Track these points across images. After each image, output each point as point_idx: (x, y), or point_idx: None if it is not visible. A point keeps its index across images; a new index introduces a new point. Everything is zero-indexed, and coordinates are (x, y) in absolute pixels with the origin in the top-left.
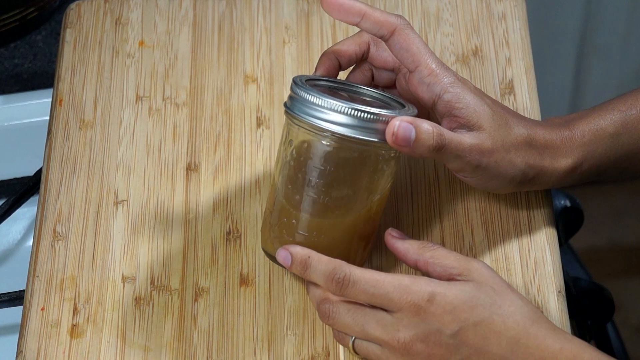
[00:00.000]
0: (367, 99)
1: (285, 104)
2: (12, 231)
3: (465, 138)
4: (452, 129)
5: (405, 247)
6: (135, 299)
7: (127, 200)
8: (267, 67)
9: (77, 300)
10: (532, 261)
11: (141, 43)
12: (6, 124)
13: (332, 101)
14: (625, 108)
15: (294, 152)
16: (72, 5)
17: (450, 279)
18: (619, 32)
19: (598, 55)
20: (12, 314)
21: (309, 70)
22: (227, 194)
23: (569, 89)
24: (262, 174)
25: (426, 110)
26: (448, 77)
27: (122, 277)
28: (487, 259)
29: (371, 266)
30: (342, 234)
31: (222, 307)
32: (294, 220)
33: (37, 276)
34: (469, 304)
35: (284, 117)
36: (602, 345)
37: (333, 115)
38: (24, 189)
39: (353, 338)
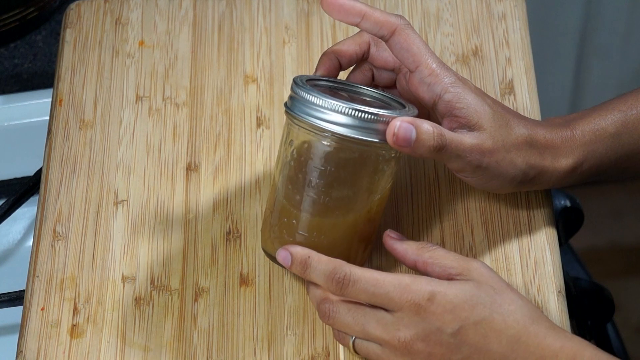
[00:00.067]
0: (368, 99)
1: (285, 104)
2: (12, 231)
3: (466, 138)
4: (452, 129)
5: (404, 247)
6: (135, 299)
7: (127, 200)
8: (267, 67)
9: (77, 300)
10: (532, 261)
11: (141, 43)
12: (6, 124)
13: (333, 101)
14: (626, 108)
15: (294, 152)
16: (72, 5)
17: (449, 279)
18: (619, 32)
19: (598, 55)
20: (12, 314)
21: (309, 70)
22: (227, 194)
23: (569, 89)
24: (262, 174)
25: (426, 111)
26: (449, 77)
27: (122, 277)
28: (487, 259)
29: (371, 266)
30: (343, 234)
31: (222, 307)
32: (294, 221)
33: (37, 276)
34: (470, 303)
35: (284, 117)
36: (602, 345)
37: (334, 116)
38: (24, 189)
39: (353, 338)
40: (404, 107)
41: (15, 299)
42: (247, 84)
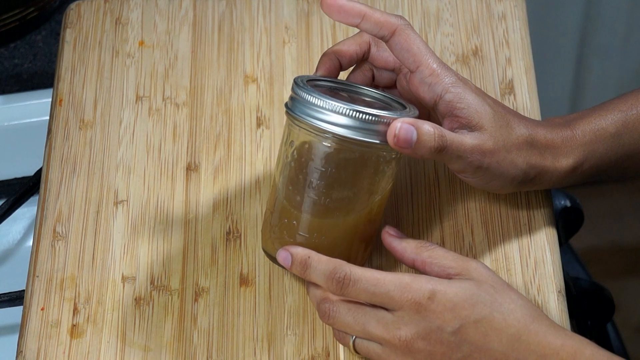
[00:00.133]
0: (368, 99)
1: (286, 105)
2: (12, 231)
3: (467, 139)
4: (453, 129)
5: (403, 246)
6: (135, 299)
7: (127, 200)
8: (267, 67)
9: (77, 300)
10: (532, 261)
11: (141, 43)
12: (6, 124)
13: (334, 102)
14: (626, 108)
15: (294, 153)
16: (72, 5)
17: (448, 278)
18: (619, 32)
19: (598, 55)
20: (12, 314)
21: (309, 70)
22: (227, 194)
23: (569, 89)
24: (262, 174)
25: (427, 111)
26: (449, 77)
27: (122, 277)
28: (487, 259)
29: (371, 266)
30: (343, 235)
31: (222, 307)
32: (294, 222)
33: (37, 276)
34: (470, 302)
35: (285, 117)
36: (602, 345)
37: (334, 117)
38: (24, 189)
39: (353, 337)
40: (405, 107)
41: (15, 299)
42: (247, 84)
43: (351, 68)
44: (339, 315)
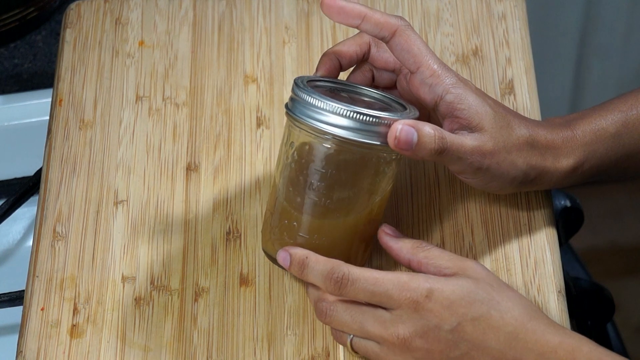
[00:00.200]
0: (368, 100)
1: (286, 106)
2: (12, 231)
3: (467, 140)
4: (453, 130)
5: (399, 246)
6: (135, 299)
7: (127, 200)
8: (267, 67)
9: (77, 300)
10: (532, 261)
11: (141, 43)
12: (6, 124)
13: (334, 104)
14: (626, 108)
15: (295, 154)
16: (72, 5)
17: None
18: (619, 32)
19: (598, 55)
20: (12, 314)
21: (309, 70)
22: (227, 194)
23: (569, 89)
24: (262, 174)
25: (427, 112)
26: (450, 78)
27: (122, 277)
28: (487, 259)
29: (371, 267)
30: (343, 235)
31: (222, 307)
32: (294, 223)
33: (37, 276)
34: (467, 300)
35: (285, 117)
36: (602, 345)
37: (335, 118)
38: (24, 189)
39: (351, 336)
40: (405, 108)
41: (15, 299)
42: (247, 84)
43: (351, 68)
44: (336, 314)
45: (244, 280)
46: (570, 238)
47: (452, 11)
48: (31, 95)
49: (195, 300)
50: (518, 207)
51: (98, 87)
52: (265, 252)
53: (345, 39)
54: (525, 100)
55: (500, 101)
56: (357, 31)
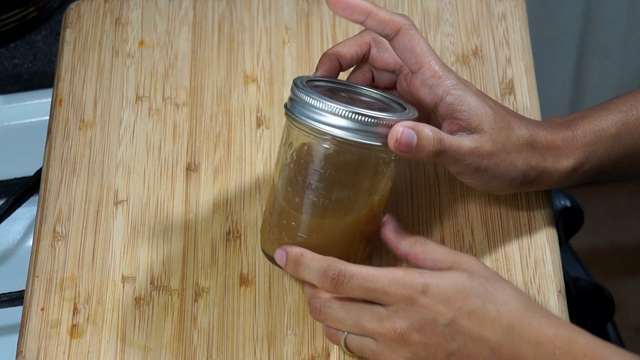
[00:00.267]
0: (368, 100)
1: (285, 106)
2: (12, 231)
3: (465, 142)
4: (453, 132)
5: (398, 239)
6: (135, 299)
7: (127, 200)
8: (267, 67)
9: (77, 300)
10: (532, 261)
11: (141, 43)
12: (6, 124)
13: (333, 104)
14: (626, 108)
15: (294, 154)
16: (72, 5)
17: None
18: (619, 32)
19: (598, 55)
20: (12, 314)
21: (309, 70)
22: (227, 194)
23: (569, 89)
24: (262, 174)
25: (426, 112)
26: (450, 80)
27: (122, 277)
28: (487, 259)
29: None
30: (342, 236)
31: (222, 307)
32: (293, 223)
33: (37, 276)
34: (463, 293)
35: (284, 118)
36: None
37: (334, 119)
38: (24, 189)
39: (345, 335)
40: (404, 108)
41: (15, 299)
42: (247, 84)
43: (351, 69)
44: (331, 310)
45: (244, 280)
46: (570, 238)
47: (452, 11)
48: (31, 95)
49: (195, 300)
50: (518, 207)
51: (98, 87)
52: (264, 252)
53: (345, 39)
54: (525, 100)
55: (500, 101)
56: (357, 31)
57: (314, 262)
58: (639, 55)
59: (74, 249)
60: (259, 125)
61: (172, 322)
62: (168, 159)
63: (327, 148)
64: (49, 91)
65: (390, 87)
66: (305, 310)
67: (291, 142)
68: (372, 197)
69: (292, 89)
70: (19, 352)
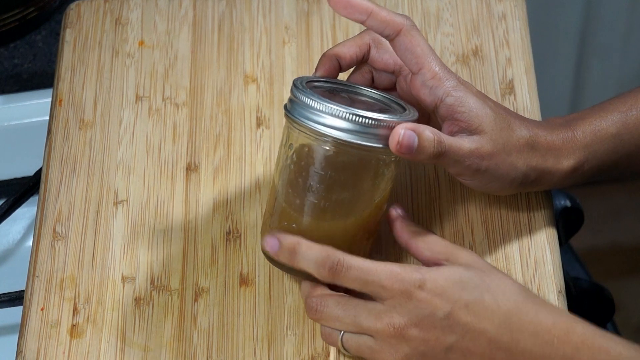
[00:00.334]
0: (368, 100)
1: (285, 107)
2: (12, 231)
3: (465, 143)
4: (453, 133)
5: (402, 226)
6: (135, 299)
7: (127, 200)
8: (267, 67)
9: (77, 300)
10: (532, 261)
11: (141, 43)
12: (6, 124)
13: (333, 106)
14: (626, 109)
15: (294, 156)
16: (72, 5)
17: (437, 264)
18: (619, 32)
19: (598, 55)
20: (12, 314)
21: (309, 70)
22: (227, 194)
23: (569, 89)
24: (262, 174)
25: (426, 113)
26: (451, 81)
27: (122, 277)
28: (487, 259)
29: None
30: (343, 237)
31: (222, 307)
32: (294, 224)
33: (37, 276)
34: (459, 285)
35: (284, 118)
36: None
37: (334, 121)
38: (24, 189)
39: (342, 334)
40: (405, 109)
41: (15, 299)
42: (247, 84)
43: (350, 70)
44: (327, 309)
45: (244, 280)
46: (570, 238)
47: (452, 11)
48: (31, 95)
49: (195, 300)
50: (518, 207)
51: (98, 87)
52: (264, 252)
53: (345, 40)
54: (525, 100)
55: (500, 101)
56: (357, 31)
57: (312, 251)
58: (639, 55)
59: (74, 249)
60: (259, 125)
61: (172, 322)
62: (168, 159)
63: (327, 150)
64: (49, 91)
65: (390, 88)
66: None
67: (291, 144)
68: (372, 199)
69: (292, 91)
70: (19, 352)
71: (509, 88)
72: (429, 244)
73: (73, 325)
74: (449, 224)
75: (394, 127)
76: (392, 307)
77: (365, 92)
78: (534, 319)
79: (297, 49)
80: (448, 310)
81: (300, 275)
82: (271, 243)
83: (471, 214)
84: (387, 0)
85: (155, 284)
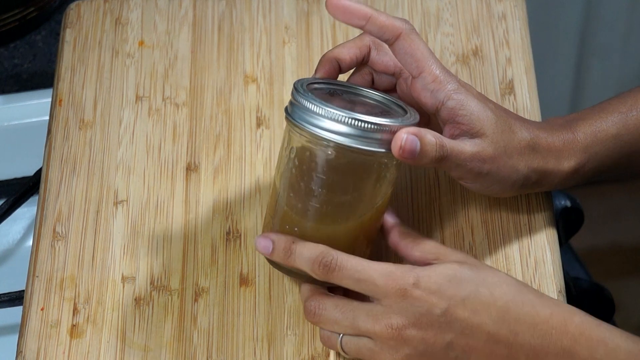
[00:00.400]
0: (369, 102)
1: (286, 110)
2: (12, 231)
3: (466, 147)
4: (454, 136)
5: (392, 228)
6: (135, 299)
7: (127, 200)
8: (267, 67)
9: (77, 300)
10: (533, 261)
11: (141, 43)
12: (6, 124)
13: (334, 111)
14: (626, 109)
15: (295, 159)
16: (72, 5)
17: (427, 263)
18: (619, 32)
19: (598, 55)
20: (12, 314)
21: (309, 71)
22: (227, 194)
23: (569, 89)
24: (262, 174)
25: (426, 115)
26: (452, 84)
27: (122, 277)
28: (487, 259)
29: None
30: (344, 240)
31: (222, 307)
32: (296, 228)
33: (37, 276)
34: (454, 281)
35: (285, 121)
36: None
37: (335, 125)
38: (24, 189)
39: (341, 337)
40: (406, 112)
41: (15, 299)
42: (247, 84)
43: (351, 71)
44: (325, 312)
45: (244, 280)
46: (570, 238)
47: (452, 11)
48: (31, 95)
49: (195, 300)
50: (518, 207)
51: (98, 87)
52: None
53: (345, 42)
54: (525, 100)
55: (500, 101)
56: (358, 32)
57: (307, 250)
58: (639, 55)
59: (74, 249)
60: (259, 125)
61: (172, 322)
62: (168, 159)
63: (329, 154)
64: (49, 91)
65: (390, 90)
66: None
67: (292, 147)
68: (374, 202)
69: (292, 94)
70: (19, 352)
71: (509, 88)
72: (419, 244)
73: (73, 325)
74: (449, 224)
75: (396, 131)
76: (389, 307)
77: (366, 94)
78: (531, 311)
79: (297, 49)
80: (445, 307)
81: (300, 278)
82: (263, 244)
83: (471, 214)
84: (387, 1)
85: (155, 284)
